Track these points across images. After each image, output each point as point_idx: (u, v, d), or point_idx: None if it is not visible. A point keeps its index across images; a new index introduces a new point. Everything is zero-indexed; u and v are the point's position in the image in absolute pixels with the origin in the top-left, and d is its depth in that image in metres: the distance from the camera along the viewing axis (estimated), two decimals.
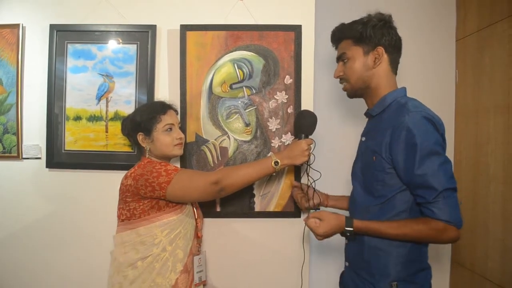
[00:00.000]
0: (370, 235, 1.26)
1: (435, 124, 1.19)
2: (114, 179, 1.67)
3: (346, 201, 1.61)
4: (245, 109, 1.80)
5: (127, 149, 1.82)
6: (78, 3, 1.84)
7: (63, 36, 1.81)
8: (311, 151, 1.55)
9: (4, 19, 1.85)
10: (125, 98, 1.81)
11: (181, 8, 1.83)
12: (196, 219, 1.60)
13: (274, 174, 1.57)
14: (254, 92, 1.79)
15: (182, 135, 1.59)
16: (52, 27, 1.80)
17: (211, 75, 1.79)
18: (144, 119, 1.52)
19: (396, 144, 1.20)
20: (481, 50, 1.93)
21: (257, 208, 1.81)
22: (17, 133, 1.84)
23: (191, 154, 1.79)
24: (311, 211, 1.65)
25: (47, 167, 1.83)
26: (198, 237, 1.62)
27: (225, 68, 1.79)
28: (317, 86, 1.84)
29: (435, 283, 1.34)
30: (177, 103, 1.72)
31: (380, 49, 1.30)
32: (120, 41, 1.81)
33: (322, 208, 1.64)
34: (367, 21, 1.31)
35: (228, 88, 1.79)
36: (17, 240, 1.87)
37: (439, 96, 2.14)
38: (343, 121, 2.10)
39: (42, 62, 1.83)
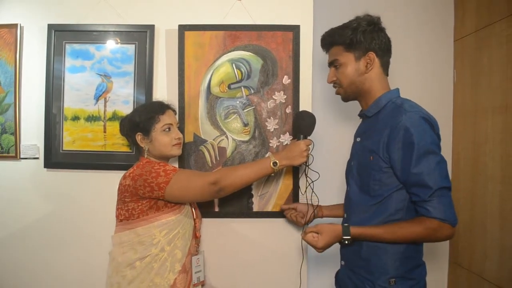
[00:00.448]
0: (367, 240, 1.28)
1: (432, 124, 1.22)
2: (112, 179, 1.67)
3: (339, 209, 1.64)
4: (243, 109, 1.80)
5: (125, 149, 1.82)
6: (76, 3, 1.83)
7: (61, 36, 1.81)
8: (309, 151, 1.55)
9: (2, 19, 1.85)
10: (123, 98, 1.81)
11: (179, 8, 1.82)
12: (194, 219, 1.60)
13: (273, 174, 1.57)
14: (253, 92, 1.79)
15: (181, 135, 1.59)
16: (50, 27, 1.80)
17: (209, 75, 1.79)
18: (142, 119, 1.52)
19: (393, 143, 1.22)
20: (479, 50, 1.93)
21: (255, 208, 1.81)
22: (15, 133, 1.84)
23: (189, 154, 1.79)
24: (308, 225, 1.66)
25: (45, 167, 1.83)
26: (196, 237, 1.62)
27: (223, 68, 1.79)
28: (315, 86, 1.84)
29: (433, 283, 1.35)
30: (175, 103, 1.71)
31: (372, 54, 1.33)
32: (118, 41, 1.81)
33: (317, 219, 1.66)
34: (356, 26, 1.33)
35: (227, 88, 1.79)
36: (15, 240, 1.86)
37: (437, 96, 2.14)
38: (341, 122, 2.10)
39: (40, 62, 1.83)
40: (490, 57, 1.85)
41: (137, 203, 1.45)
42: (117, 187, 1.52)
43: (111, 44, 1.81)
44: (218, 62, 1.79)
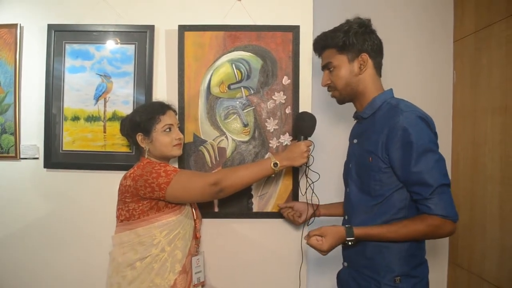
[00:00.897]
0: (370, 240, 1.28)
1: (428, 123, 1.24)
2: (112, 179, 1.67)
3: (336, 208, 1.64)
4: (243, 110, 1.80)
5: (125, 149, 1.81)
6: (76, 3, 1.83)
7: (61, 36, 1.81)
8: (310, 152, 1.55)
9: (2, 19, 1.84)
10: (123, 99, 1.81)
11: (179, 9, 1.82)
12: (195, 220, 1.60)
13: (273, 175, 1.58)
14: (252, 92, 1.79)
15: (181, 136, 1.59)
16: (50, 27, 1.80)
17: (209, 76, 1.79)
18: (143, 119, 1.52)
19: (392, 143, 1.23)
20: (479, 51, 1.94)
21: (255, 208, 1.81)
22: (15, 133, 1.84)
23: (189, 155, 1.79)
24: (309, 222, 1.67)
25: (45, 167, 1.83)
26: (196, 237, 1.62)
27: (223, 69, 1.79)
28: (315, 87, 1.84)
29: (433, 283, 1.36)
30: (175, 104, 1.71)
31: (365, 56, 1.34)
32: (118, 41, 1.81)
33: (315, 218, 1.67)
34: (348, 28, 1.34)
35: (226, 88, 1.79)
36: (15, 240, 1.86)
37: (436, 97, 2.15)
38: (341, 122, 2.10)
39: (40, 62, 1.83)
40: (489, 57, 1.86)
41: (137, 204, 1.45)
42: (117, 187, 1.52)
43: (111, 44, 1.81)
44: (218, 62, 1.79)
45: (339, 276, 1.51)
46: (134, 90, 1.81)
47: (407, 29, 2.14)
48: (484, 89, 1.89)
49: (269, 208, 1.81)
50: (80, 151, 1.82)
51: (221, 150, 1.80)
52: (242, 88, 1.79)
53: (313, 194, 1.63)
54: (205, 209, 1.78)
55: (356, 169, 1.39)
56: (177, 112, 1.72)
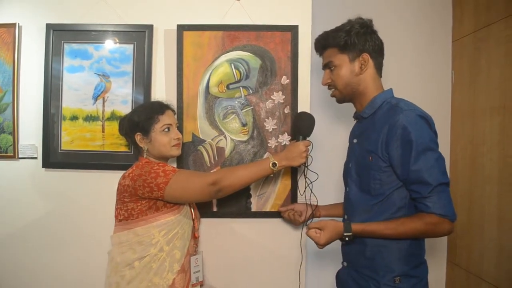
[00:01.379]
0: (368, 237, 1.29)
1: (428, 121, 1.25)
2: (110, 179, 1.68)
3: (337, 208, 1.65)
4: (242, 109, 1.80)
5: (123, 149, 1.81)
6: (75, 2, 1.83)
7: (60, 35, 1.81)
8: (309, 152, 1.55)
9: (0, 18, 1.84)
10: (121, 98, 1.81)
11: (178, 8, 1.82)
12: (193, 220, 1.60)
13: (272, 175, 1.58)
14: (251, 92, 1.79)
15: (180, 135, 1.59)
16: (49, 26, 1.79)
17: (208, 75, 1.79)
18: (142, 119, 1.52)
19: (392, 141, 1.23)
20: (478, 51, 1.94)
21: (254, 208, 1.81)
22: (13, 132, 1.84)
23: (187, 154, 1.79)
24: (308, 222, 1.67)
25: (43, 166, 1.83)
26: (195, 237, 1.62)
27: (222, 68, 1.79)
28: (313, 87, 1.84)
29: (431, 283, 1.36)
30: (174, 103, 1.71)
31: (366, 56, 1.35)
32: (117, 41, 1.81)
33: (314, 219, 1.66)
34: (349, 28, 1.35)
35: (225, 88, 1.79)
36: (14, 239, 1.86)
37: (435, 97, 2.15)
38: (340, 122, 2.10)
39: (38, 62, 1.82)
40: (488, 57, 1.86)
41: (136, 203, 1.45)
42: (116, 187, 1.52)
43: (109, 44, 1.81)
44: (216, 62, 1.79)
45: (339, 276, 1.51)
46: (133, 90, 1.81)
47: (406, 29, 2.14)
48: (483, 89, 1.89)
49: (268, 208, 1.81)
50: (78, 151, 1.82)
51: (220, 150, 1.80)
52: (241, 88, 1.79)
53: (312, 194, 1.63)
54: (204, 208, 1.78)
55: (356, 169, 1.39)
56: (176, 111, 1.72)
